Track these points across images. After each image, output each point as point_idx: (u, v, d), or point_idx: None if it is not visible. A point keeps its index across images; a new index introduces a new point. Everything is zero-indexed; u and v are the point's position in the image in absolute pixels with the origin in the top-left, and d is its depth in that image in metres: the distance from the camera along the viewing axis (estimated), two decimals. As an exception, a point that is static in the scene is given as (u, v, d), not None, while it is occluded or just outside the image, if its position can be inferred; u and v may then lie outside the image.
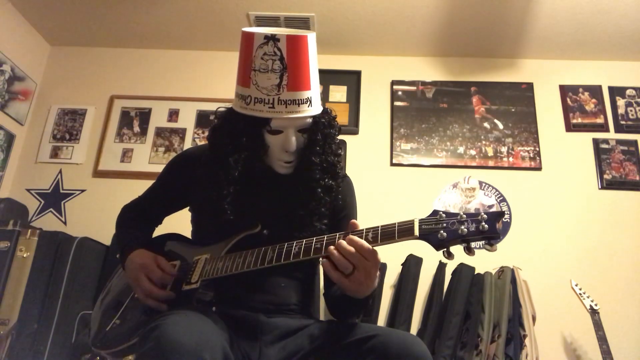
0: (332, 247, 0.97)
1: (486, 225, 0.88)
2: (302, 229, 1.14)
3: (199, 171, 1.24)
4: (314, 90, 1.17)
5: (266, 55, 1.12)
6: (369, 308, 1.13)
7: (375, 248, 0.97)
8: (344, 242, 0.97)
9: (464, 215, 0.91)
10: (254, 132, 1.16)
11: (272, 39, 1.12)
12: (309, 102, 1.16)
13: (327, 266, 0.98)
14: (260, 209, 1.20)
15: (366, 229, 0.99)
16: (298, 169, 1.23)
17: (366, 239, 0.97)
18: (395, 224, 0.97)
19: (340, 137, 1.32)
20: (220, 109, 1.26)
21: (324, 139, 1.21)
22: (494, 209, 2.82)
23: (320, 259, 1.01)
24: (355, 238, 0.97)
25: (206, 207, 1.21)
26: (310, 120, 1.19)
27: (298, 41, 1.13)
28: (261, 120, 1.14)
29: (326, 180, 1.20)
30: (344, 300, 1.10)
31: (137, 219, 1.38)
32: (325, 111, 1.24)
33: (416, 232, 0.93)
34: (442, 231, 0.91)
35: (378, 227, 0.98)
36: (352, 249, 0.95)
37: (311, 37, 1.16)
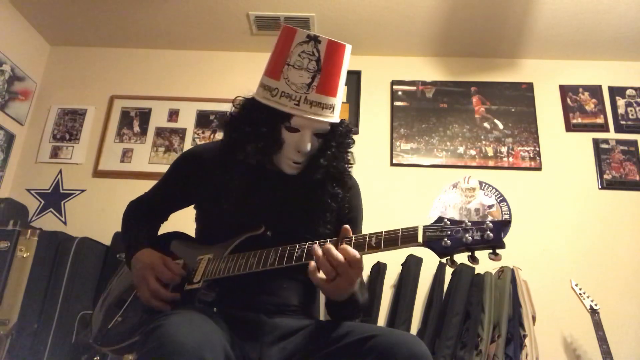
0: (319, 251, 0.98)
1: (491, 234, 0.86)
2: (306, 232, 1.14)
3: (212, 164, 1.24)
4: (339, 99, 1.19)
5: (304, 53, 1.14)
6: (356, 309, 1.14)
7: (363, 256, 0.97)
8: (333, 249, 0.97)
9: (469, 223, 0.90)
10: (274, 124, 1.17)
11: (314, 39, 1.15)
12: (332, 109, 1.18)
13: (311, 267, 0.99)
14: (264, 210, 1.20)
15: (369, 234, 0.99)
16: (306, 173, 1.23)
17: (369, 245, 0.97)
18: (399, 230, 0.96)
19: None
20: (239, 98, 1.25)
21: (337, 147, 1.22)
22: (494, 209, 2.82)
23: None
24: (348, 248, 0.97)
25: (213, 199, 1.21)
26: (328, 127, 1.20)
27: (337, 48, 1.16)
28: (282, 115, 1.15)
29: (333, 186, 1.21)
30: (329, 302, 1.11)
31: (143, 215, 1.38)
32: (343, 122, 1.25)
33: (420, 239, 0.92)
34: (446, 239, 0.90)
35: (381, 232, 0.97)
36: (341, 257, 0.96)
37: (348, 49, 1.18)
